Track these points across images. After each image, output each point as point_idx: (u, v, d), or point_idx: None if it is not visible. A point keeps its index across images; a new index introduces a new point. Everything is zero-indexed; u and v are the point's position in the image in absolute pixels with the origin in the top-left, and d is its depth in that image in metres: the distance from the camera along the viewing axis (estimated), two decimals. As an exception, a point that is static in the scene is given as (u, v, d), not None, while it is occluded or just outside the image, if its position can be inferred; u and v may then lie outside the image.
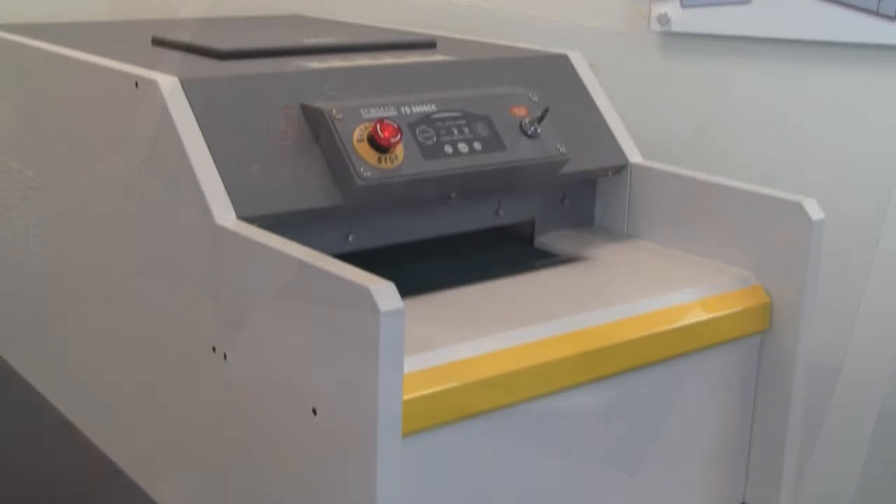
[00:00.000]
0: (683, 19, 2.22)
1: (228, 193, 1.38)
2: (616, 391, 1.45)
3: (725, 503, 1.66)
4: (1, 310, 2.14)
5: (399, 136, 1.47)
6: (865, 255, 2.29)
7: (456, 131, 1.55)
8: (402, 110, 1.53)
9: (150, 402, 1.63)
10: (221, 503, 1.47)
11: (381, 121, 1.46)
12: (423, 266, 1.63)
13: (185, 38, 1.76)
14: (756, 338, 1.60)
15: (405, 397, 1.17)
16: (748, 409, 1.63)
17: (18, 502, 2.34)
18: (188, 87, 1.44)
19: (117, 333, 1.69)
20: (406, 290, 1.17)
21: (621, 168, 1.78)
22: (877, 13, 2.02)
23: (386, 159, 1.47)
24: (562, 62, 1.82)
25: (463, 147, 1.54)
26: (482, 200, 1.70)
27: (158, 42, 1.82)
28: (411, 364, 1.23)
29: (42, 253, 1.90)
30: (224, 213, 1.37)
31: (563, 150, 1.64)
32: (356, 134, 1.47)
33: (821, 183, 2.23)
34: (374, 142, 1.46)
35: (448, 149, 1.53)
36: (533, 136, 1.61)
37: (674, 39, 2.29)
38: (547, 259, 1.70)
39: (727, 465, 1.64)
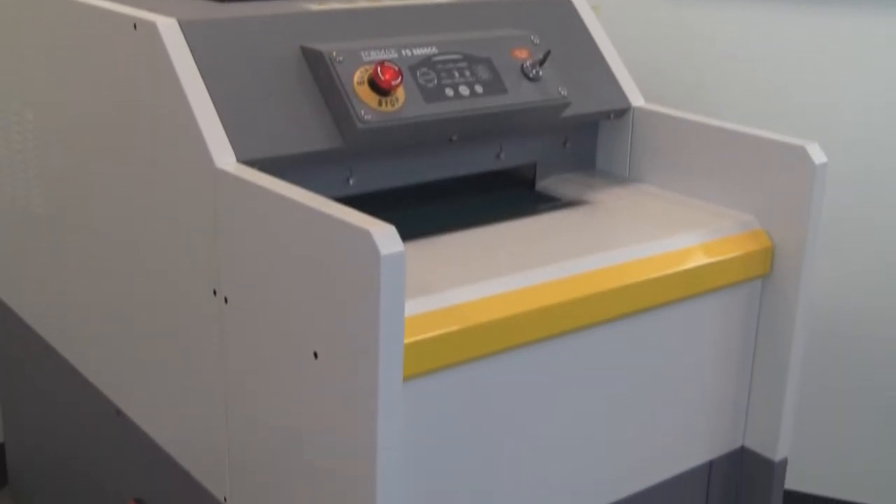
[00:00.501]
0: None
1: (228, 136, 1.37)
2: (616, 335, 1.45)
3: (725, 447, 1.66)
4: (3, 254, 2.14)
5: (400, 78, 1.46)
6: (868, 200, 2.29)
7: (457, 74, 1.54)
8: (403, 53, 1.52)
9: (152, 346, 1.63)
10: (223, 446, 1.48)
11: (381, 63, 1.45)
12: (423, 209, 1.63)
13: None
14: (757, 282, 1.60)
15: (406, 341, 1.17)
16: (748, 353, 1.63)
17: (23, 444, 2.36)
18: (187, 29, 1.43)
19: (118, 277, 1.69)
20: (407, 234, 1.16)
21: (623, 111, 1.77)
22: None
23: (386, 102, 1.46)
24: (563, 4, 1.81)
25: (464, 90, 1.53)
26: (483, 144, 1.69)
27: (157, -17, 1.80)
28: (412, 307, 1.23)
29: (43, 197, 1.89)
30: (224, 156, 1.36)
31: (564, 93, 1.63)
32: (356, 76, 1.46)
33: (824, 128, 2.22)
34: (374, 84, 1.45)
35: (449, 91, 1.52)
36: (534, 79, 1.60)
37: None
38: (548, 203, 1.70)
39: (727, 409, 1.64)
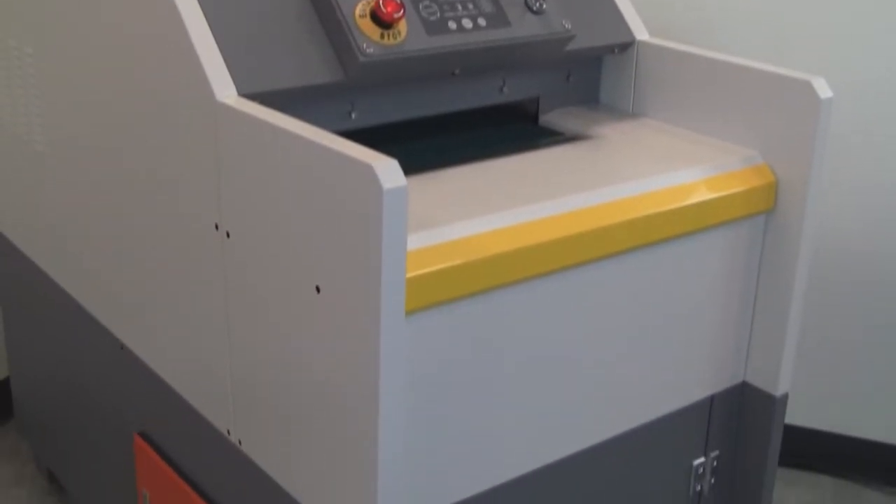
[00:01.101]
0: None
1: (229, 70, 1.36)
2: (619, 270, 1.45)
3: (726, 382, 1.67)
4: (6, 191, 2.14)
5: (402, 11, 1.44)
6: (873, 135, 2.28)
7: (460, 7, 1.53)
8: (405, -15, 1.50)
9: (154, 280, 1.63)
10: (226, 380, 1.48)
11: (383, -5, 1.44)
12: (426, 144, 1.62)
13: None
14: (761, 218, 1.60)
15: (408, 275, 1.17)
16: (751, 289, 1.64)
17: (28, 378, 2.37)
18: (186, -40, 1.41)
19: (121, 213, 1.68)
20: (409, 168, 1.16)
21: (627, 45, 1.75)
22: None
23: (388, 35, 1.44)
24: (569, -64, 1.78)
25: (467, 23, 1.52)
26: (486, 77, 1.67)
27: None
28: (414, 241, 1.22)
29: (44, 132, 1.88)
30: (224, 89, 1.35)
31: (568, 26, 1.61)
32: (358, 9, 1.44)
33: (830, 62, 2.20)
34: (376, 17, 1.43)
35: (452, 24, 1.50)
36: (538, 12, 1.58)
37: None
38: (551, 137, 1.69)
39: (729, 344, 1.65)
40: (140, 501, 1.82)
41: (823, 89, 1.51)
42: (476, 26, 1.52)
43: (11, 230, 2.18)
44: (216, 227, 1.41)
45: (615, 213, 1.42)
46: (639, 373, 1.55)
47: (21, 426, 2.50)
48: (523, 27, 1.56)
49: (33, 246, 2.08)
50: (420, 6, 1.49)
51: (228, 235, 1.39)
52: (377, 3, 1.43)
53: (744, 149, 1.60)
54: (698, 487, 1.70)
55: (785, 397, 1.68)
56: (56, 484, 2.41)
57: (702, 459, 1.70)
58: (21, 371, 2.40)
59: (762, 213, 1.59)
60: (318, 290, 1.24)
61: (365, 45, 1.42)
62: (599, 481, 1.59)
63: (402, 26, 1.46)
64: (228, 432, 1.52)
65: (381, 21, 1.43)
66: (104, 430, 1.98)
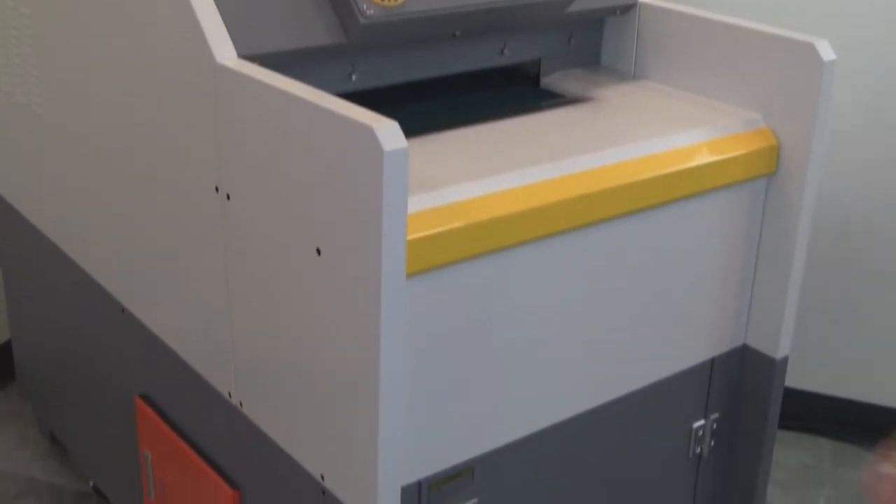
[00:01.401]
0: None
1: (229, 31, 1.35)
2: (620, 233, 1.45)
3: (727, 345, 1.67)
4: (6, 154, 2.13)
5: (403, -28, 1.43)
6: (876, 99, 2.27)
7: (461, -33, 1.51)
8: (406, -55, 1.49)
9: (155, 244, 1.63)
10: (227, 343, 1.49)
11: (384, -44, 1.43)
12: (427, 106, 1.61)
13: None
14: (762, 181, 1.59)
15: (409, 237, 1.17)
16: (752, 252, 1.63)
17: (29, 341, 2.37)
18: (185, -81, 1.40)
19: (121, 176, 1.68)
20: (410, 130, 1.15)
21: (629, 7, 1.74)
22: None
23: (389, -4, 1.43)
24: None
25: (468, -16, 1.51)
26: (487, 39, 1.66)
27: None
28: (415, 204, 1.22)
29: (42, 94, 1.87)
30: (224, 51, 1.34)
31: (570, -13, 1.60)
32: (359, -30, 1.43)
33: (833, 24, 2.19)
34: (377, -22, 1.42)
35: (453, -14, 1.49)
36: (540, -27, 1.57)
37: None
38: (552, 99, 1.68)
39: (729, 307, 1.65)
40: (142, 462, 1.83)
41: (826, 51, 1.50)
42: (477, -13, 1.51)
43: (12, 194, 2.17)
44: (216, 189, 1.40)
45: (616, 175, 1.41)
46: (639, 335, 1.55)
47: (23, 389, 2.50)
48: (525, -12, 1.55)
49: (34, 210, 2.08)
50: (421, -33, 1.48)
51: (229, 198, 1.39)
52: (378, -37, 1.42)
53: (746, 111, 1.59)
54: (698, 450, 1.71)
55: (785, 360, 1.68)
56: (58, 445, 2.42)
57: (702, 422, 1.70)
58: (22, 334, 2.40)
59: (764, 177, 1.59)
60: (318, 252, 1.24)
61: (366, 7, 1.41)
62: (600, 444, 1.60)
63: (403, -13, 1.45)
64: (229, 394, 1.53)
65: (382, -18, 1.42)
66: (105, 392, 1.99)
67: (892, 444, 1.33)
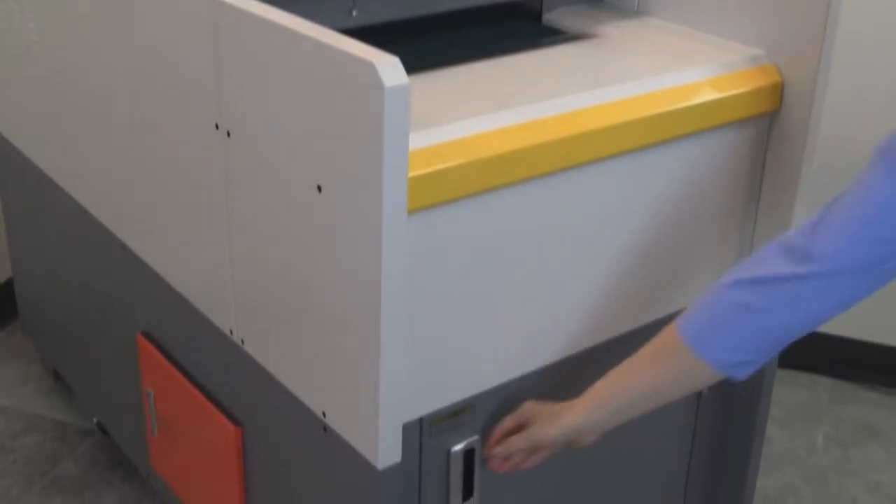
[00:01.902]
0: None
1: (227, -35, 1.34)
2: (621, 171, 1.45)
3: (727, 283, 1.67)
4: (6, 93, 2.12)
5: None
6: (882, 36, 2.24)
7: None
8: None
9: (155, 181, 1.63)
10: (228, 280, 1.49)
11: None
12: (428, 42, 1.60)
13: None
14: (766, 119, 1.58)
15: (410, 174, 1.16)
16: (755, 190, 1.63)
17: (31, 279, 2.38)
18: None
19: (120, 113, 1.67)
20: (411, 67, 1.14)
21: (633, -58, 1.72)
22: None
23: (390, -70, 1.42)
24: None
25: (470, -83, 1.49)
26: (489, -25, 1.65)
27: None
28: (416, 141, 1.21)
29: (42, 33, 1.86)
30: (223, -15, 1.33)
31: (573, -79, 1.58)
32: None
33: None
34: (377, -89, 1.41)
35: (455, -81, 1.47)
36: None
37: None
38: (554, 36, 1.66)
39: (730, 246, 1.64)
40: (144, 399, 1.84)
41: (832, -13, 1.48)
42: (479, -79, 1.49)
43: (12, 132, 2.16)
44: (216, 126, 1.39)
45: (617, 113, 1.40)
46: (639, 274, 1.55)
47: (26, 327, 2.51)
48: (527, -78, 1.53)
49: (34, 147, 2.07)
50: None
51: (229, 135, 1.38)
52: None
53: (749, 48, 1.58)
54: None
55: (785, 299, 1.68)
56: (62, 383, 2.44)
57: (701, 360, 1.70)
58: (24, 272, 2.41)
59: (767, 114, 1.57)
60: (319, 189, 1.23)
61: (366, -59, 1.39)
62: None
63: (404, -79, 1.43)
64: (231, 332, 1.53)
65: (383, -85, 1.40)
66: (107, 329, 2.00)
67: None
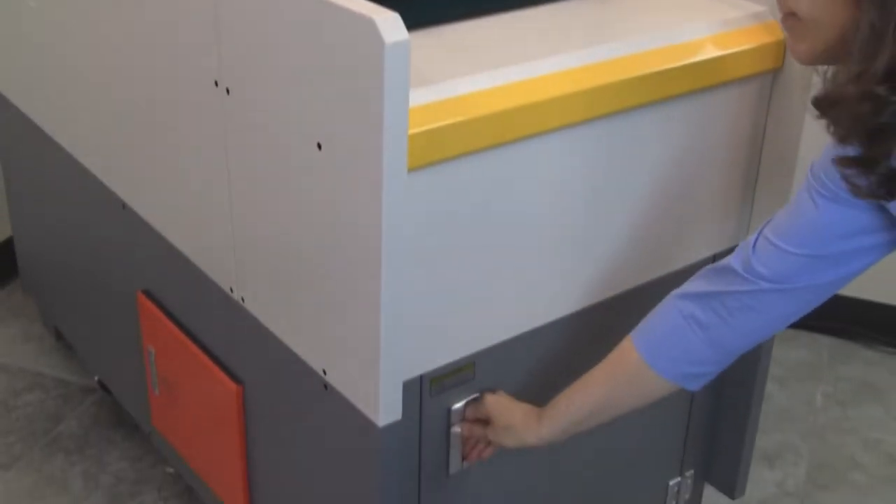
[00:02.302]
0: None
1: (226, -80, 1.32)
2: (624, 128, 1.44)
3: (728, 242, 1.67)
4: (5, 51, 2.11)
5: None
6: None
7: None
8: None
9: (155, 139, 1.62)
10: (228, 238, 1.49)
11: None
12: (428, -1, 1.59)
13: None
14: (769, 76, 1.57)
15: (411, 132, 1.15)
16: (756, 150, 1.62)
17: (31, 237, 2.38)
18: None
19: (120, 71, 1.66)
20: (412, 23, 1.13)
21: None
22: None
23: None
24: None
25: None
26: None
27: None
28: (417, 98, 1.20)
29: (37, -14, 1.85)
30: (222, -59, 1.31)
31: None
32: None
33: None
34: None
35: None
36: None
37: None
38: (556, -7, 1.65)
39: (731, 204, 1.64)
40: (145, 357, 1.84)
41: (837, -58, 1.47)
42: None
43: (10, 90, 2.15)
44: (216, 83, 1.39)
45: (620, 69, 1.39)
46: (640, 232, 1.55)
47: (26, 285, 2.51)
48: None
49: (33, 105, 2.06)
50: None
51: (228, 92, 1.37)
52: None
53: (753, 4, 1.57)
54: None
55: (786, 257, 1.68)
56: (63, 341, 2.44)
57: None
58: (24, 230, 2.41)
59: (770, 72, 1.56)
60: (319, 147, 1.23)
61: None
62: (602, 341, 1.60)
63: None
64: (231, 290, 1.53)
65: None
66: (108, 288, 2.00)
67: None
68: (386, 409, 1.30)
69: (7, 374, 2.43)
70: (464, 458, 1.49)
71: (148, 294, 1.81)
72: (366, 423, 1.32)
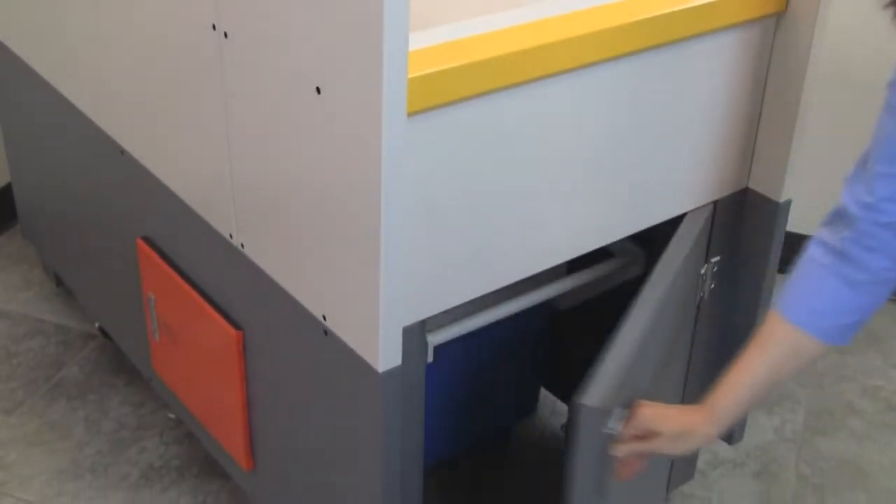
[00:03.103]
0: None
1: None
2: (624, 73, 1.42)
3: (729, 187, 1.66)
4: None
5: None
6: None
7: None
8: None
9: (152, 84, 1.61)
10: (227, 184, 1.48)
11: None
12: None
13: None
14: (772, 20, 1.55)
15: (410, 75, 1.14)
16: (758, 95, 1.61)
17: (29, 184, 2.37)
18: None
19: (117, 15, 1.64)
20: (411, -36, 1.12)
21: None
22: None
23: None
24: None
25: None
26: None
27: None
28: (416, 41, 1.19)
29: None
30: None
31: None
32: None
33: None
34: None
35: None
36: None
37: None
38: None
39: (733, 149, 1.63)
40: (145, 304, 1.84)
41: None
42: None
43: (7, 34, 2.13)
44: (213, 27, 1.37)
45: (620, 14, 1.38)
46: (642, 177, 1.54)
47: (25, 232, 2.51)
48: None
49: (30, 51, 2.05)
50: None
51: (226, 36, 1.36)
52: None
53: (757, -52, 1.55)
54: (700, 294, 1.72)
55: (787, 204, 1.67)
56: (63, 287, 2.45)
57: (703, 267, 1.70)
58: (22, 176, 2.40)
59: (773, 16, 1.55)
60: (318, 91, 1.22)
61: None
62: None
63: None
64: (231, 236, 1.53)
65: None
66: (107, 234, 1.99)
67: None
68: (386, 354, 1.30)
69: (8, 321, 2.43)
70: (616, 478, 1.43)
71: (148, 241, 1.80)
72: (366, 369, 1.33)
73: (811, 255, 1.29)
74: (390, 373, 1.32)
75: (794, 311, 1.30)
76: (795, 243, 2.33)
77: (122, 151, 1.78)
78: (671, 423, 1.38)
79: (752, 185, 1.68)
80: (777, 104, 1.60)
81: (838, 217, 1.27)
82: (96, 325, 2.29)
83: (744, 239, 1.72)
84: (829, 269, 1.26)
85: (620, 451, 1.39)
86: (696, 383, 1.82)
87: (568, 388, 2.04)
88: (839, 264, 1.25)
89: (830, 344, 1.31)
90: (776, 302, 1.33)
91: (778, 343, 1.32)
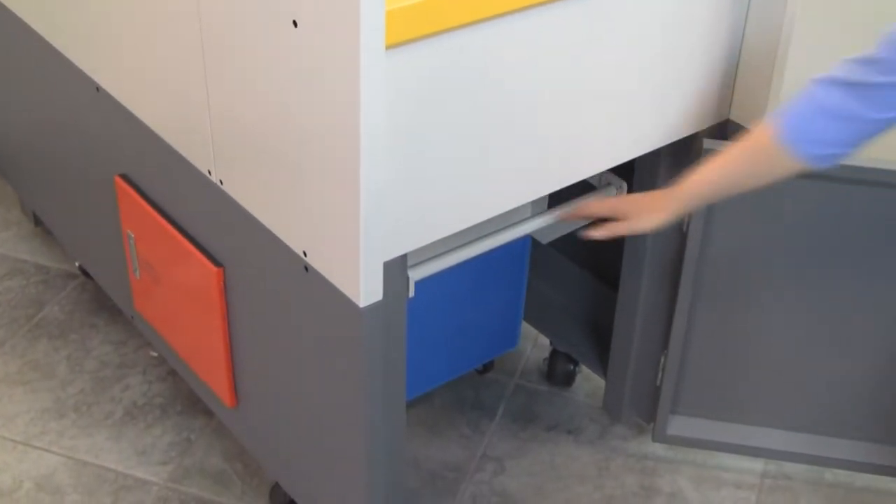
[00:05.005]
0: None
1: None
2: (604, 4, 1.41)
3: (711, 119, 1.66)
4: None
5: None
6: None
7: None
8: None
9: (128, 19, 1.58)
10: (205, 120, 1.47)
11: None
12: None
13: None
14: (752, -51, 1.54)
15: (388, 7, 1.13)
16: (739, 24, 1.60)
17: (6, 126, 2.34)
18: None
19: (87, -54, 1.62)
20: None
21: None
22: None
23: None
24: None
25: None
26: None
27: None
28: (393, -27, 1.18)
29: None
30: None
31: None
32: None
33: None
34: None
35: None
36: None
37: None
38: None
39: (714, 81, 1.62)
40: (125, 242, 1.83)
41: None
42: None
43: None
44: (187, -41, 1.35)
45: (602, -58, 1.36)
46: (622, 109, 1.53)
47: (2, 171, 2.49)
48: None
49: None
50: None
51: (201, -31, 1.34)
52: None
53: None
54: (682, 228, 1.72)
55: (769, 135, 1.67)
56: (42, 226, 2.43)
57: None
58: (7, 121, 2.37)
59: (754, -55, 1.53)
60: (295, 24, 1.20)
61: None
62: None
63: None
64: (209, 172, 1.52)
65: None
66: (85, 173, 1.98)
67: None
68: (367, 289, 1.30)
69: (-13, 261, 2.42)
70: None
71: (126, 178, 1.79)
72: (347, 304, 1.33)
73: (813, 91, 1.31)
74: (372, 308, 1.32)
75: (790, 136, 1.33)
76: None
77: (98, 88, 1.75)
78: (639, 205, 1.52)
79: (733, 117, 1.67)
80: (759, 33, 1.59)
81: (863, 61, 1.28)
82: (76, 264, 2.28)
83: (725, 171, 1.72)
84: (842, 96, 1.28)
85: (596, 233, 1.54)
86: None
87: (549, 321, 2.05)
88: (851, 95, 1.28)
89: (812, 167, 1.35)
90: (772, 116, 1.36)
91: (762, 156, 1.37)
